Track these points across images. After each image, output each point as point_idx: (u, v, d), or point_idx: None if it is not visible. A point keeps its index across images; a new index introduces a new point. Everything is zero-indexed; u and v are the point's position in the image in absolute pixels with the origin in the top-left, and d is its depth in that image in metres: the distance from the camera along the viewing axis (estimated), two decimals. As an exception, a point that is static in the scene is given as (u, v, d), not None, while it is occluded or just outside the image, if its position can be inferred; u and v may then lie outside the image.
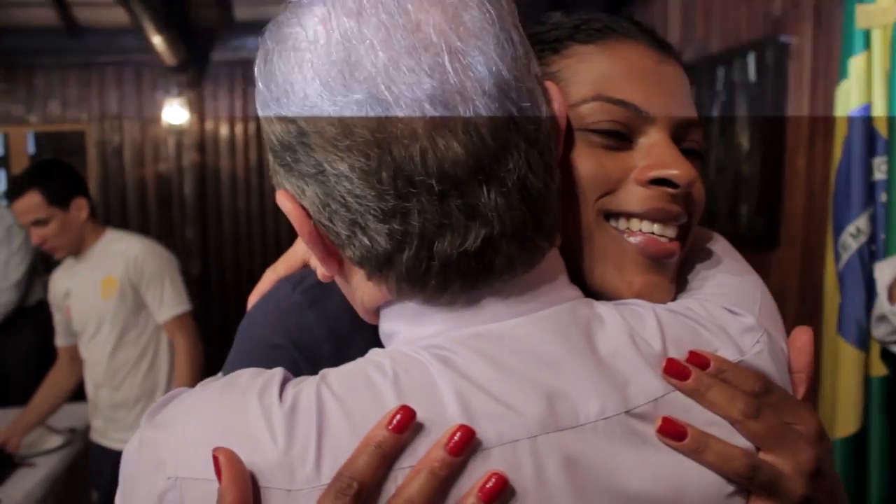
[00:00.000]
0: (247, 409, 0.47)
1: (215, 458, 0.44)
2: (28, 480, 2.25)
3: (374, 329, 0.59)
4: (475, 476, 0.45)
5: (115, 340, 2.45)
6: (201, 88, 5.06)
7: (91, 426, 2.57)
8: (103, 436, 2.52)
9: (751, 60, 2.72)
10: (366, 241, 0.49)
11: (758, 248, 2.66)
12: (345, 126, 0.46)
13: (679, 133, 0.62)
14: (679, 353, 0.52)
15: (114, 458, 2.48)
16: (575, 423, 0.48)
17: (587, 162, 0.60)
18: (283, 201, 0.52)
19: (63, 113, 5.03)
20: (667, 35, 3.52)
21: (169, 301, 2.47)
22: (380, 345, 0.57)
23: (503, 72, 0.48)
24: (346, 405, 0.47)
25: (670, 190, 0.59)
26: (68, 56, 4.82)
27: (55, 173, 2.41)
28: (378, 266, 0.50)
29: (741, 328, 0.56)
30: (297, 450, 0.45)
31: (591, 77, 0.61)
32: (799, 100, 2.49)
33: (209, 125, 5.11)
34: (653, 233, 0.61)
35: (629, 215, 0.61)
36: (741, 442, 0.51)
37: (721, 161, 2.96)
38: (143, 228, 5.05)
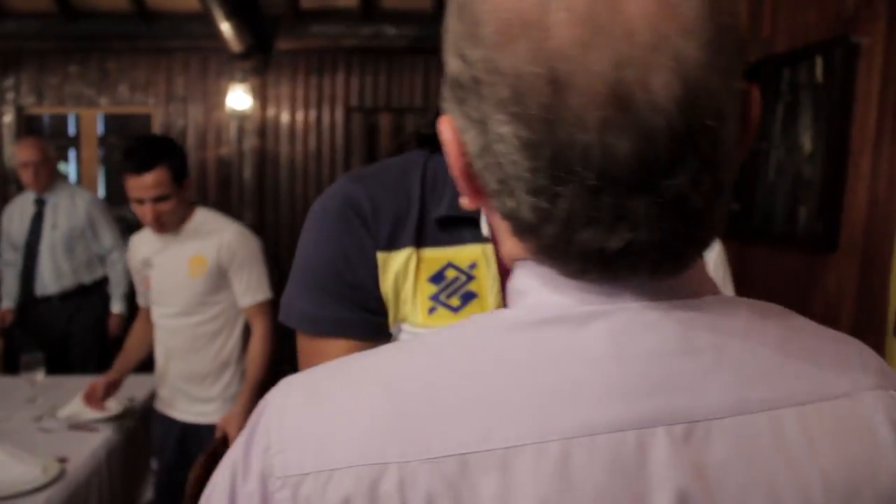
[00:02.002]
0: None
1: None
2: (91, 443, 2.36)
3: (402, 198, 0.88)
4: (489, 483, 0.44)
5: (196, 317, 2.53)
6: (265, 75, 5.17)
7: (157, 395, 2.66)
8: (170, 406, 2.61)
9: (818, 61, 2.67)
10: (511, 204, 0.47)
11: (814, 251, 2.61)
12: (518, 94, 0.43)
13: None
14: (794, 366, 0.50)
15: (179, 428, 2.59)
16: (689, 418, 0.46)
17: None
18: (444, 128, 0.51)
19: (131, 96, 5.20)
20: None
21: (254, 287, 2.55)
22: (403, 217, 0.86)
23: (700, 80, 0.43)
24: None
25: None
26: (139, 41, 4.98)
27: (177, 153, 2.46)
28: (520, 230, 0.49)
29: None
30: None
31: None
32: (867, 102, 2.44)
33: (270, 112, 5.22)
34: None
35: None
36: None
37: (781, 162, 2.91)
38: (203, 210, 5.20)
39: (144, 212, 2.41)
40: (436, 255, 0.89)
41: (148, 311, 2.72)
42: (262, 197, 5.27)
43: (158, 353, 2.63)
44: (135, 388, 2.83)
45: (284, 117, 5.24)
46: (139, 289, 2.73)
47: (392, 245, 0.88)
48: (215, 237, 2.51)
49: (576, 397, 0.45)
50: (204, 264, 2.49)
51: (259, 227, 5.27)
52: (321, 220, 0.91)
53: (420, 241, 0.89)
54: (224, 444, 2.37)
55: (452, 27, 0.49)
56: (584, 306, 0.48)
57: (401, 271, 0.88)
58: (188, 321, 2.54)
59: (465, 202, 0.54)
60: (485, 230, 0.88)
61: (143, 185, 2.36)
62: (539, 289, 0.50)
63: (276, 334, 2.58)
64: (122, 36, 4.97)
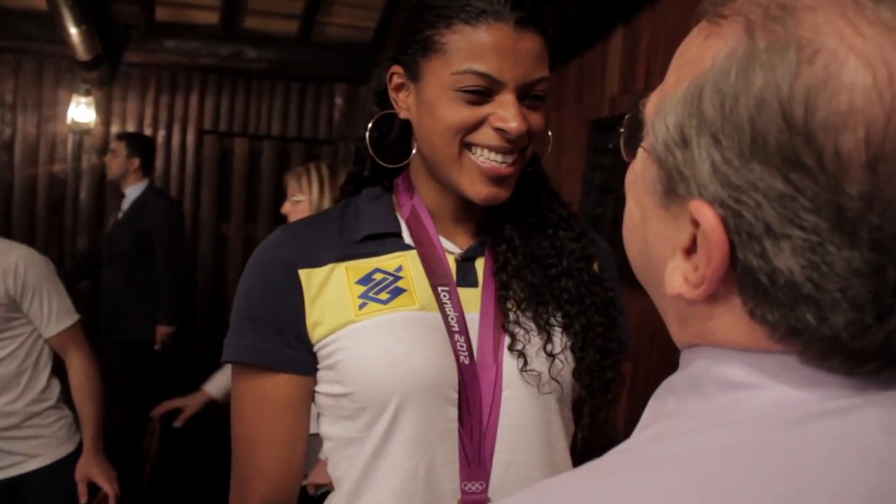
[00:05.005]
0: None
1: None
2: None
3: (321, 230, 1.02)
4: None
5: None
6: (111, 89, 4.73)
7: None
8: None
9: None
10: (811, 320, 0.41)
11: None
12: (881, 222, 0.38)
13: (526, 89, 0.93)
14: None
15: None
16: None
17: (459, 112, 0.92)
18: (710, 222, 0.43)
19: (-54, 98, 4.56)
20: (605, 85, 3.60)
21: (59, 312, 2.19)
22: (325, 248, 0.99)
23: None
24: None
25: (507, 135, 0.92)
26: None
27: None
28: (805, 338, 0.42)
29: None
30: None
31: (466, 53, 0.91)
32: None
33: (115, 128, 4.77)
34: (496, 161, 0.94)
35: (482, 146, 0.93)
36: None
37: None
38: (28, 231, 4.63)
39: None
40: (362, 265, 0.99)
41: None
42: (100, 221, 4.77)
43: None
44: None
45: (130, 135, 4.81)
46: None
47: (314, 264, 0.98)
48: None
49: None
50: None
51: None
52: (254, 266, 1.01)
53: (342, 258, 0.99)
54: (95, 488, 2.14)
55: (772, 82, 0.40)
56: (845, 399, 0.42)
57: (323, 281, 0.98)
58: None
59: (690, 293, 0.45)
60: (407, 240, 1.02)
61: None
62: (777, 386, 0.43)
63: (97, 361, 2.28)
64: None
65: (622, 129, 0.53)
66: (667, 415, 0.47)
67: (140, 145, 4.10)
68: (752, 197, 0.40)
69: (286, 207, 2.55)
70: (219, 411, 3.79)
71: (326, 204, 2.47)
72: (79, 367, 2.25)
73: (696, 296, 0.45)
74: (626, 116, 0.53)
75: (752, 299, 0.43)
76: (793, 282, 0.40)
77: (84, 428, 2.24)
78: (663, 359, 2.83)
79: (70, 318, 2.23)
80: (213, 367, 2.64)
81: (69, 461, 2.23)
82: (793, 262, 0.40)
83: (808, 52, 0.39)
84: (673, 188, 0.46)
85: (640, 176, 0.51)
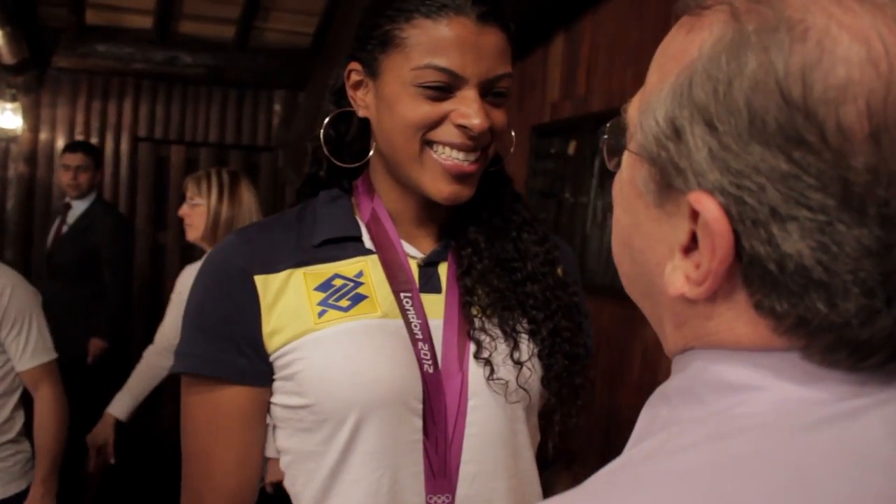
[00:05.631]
0: None
1: None
2: None
3: (278, 234, 0.98)
4: None
5: None
6: (39, 94, 4.56)
7: None
8: None
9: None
10: (821, 308, 0.40)
11: (633, 303, 2.76)
12: (889, 196, 0.37)
13: (488, 85, 0.91)
14: None
15: None
16: None
17: (419, 108, 0.90)
18: (710, 211, 0.41)
19: None
20: (546, 90, 3.64)
21: (34, 347, 2.09)
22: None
23: None
24: None
25: (470, 132, 0.90)
26: None
27: None
28: (811, 328, 0.41)
29: None
30: None
31: (427, 48, 0.89)
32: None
33: (44, 136, 4.60)
34: (458, 159, 0.91)
35: (444, 144, 0.91)
36: None
37: (598, 215, 3.07)
38: (-49, 245, 4.42)
39: None
40: (320, 271, 0.96)
41: None
42: (30, 233, 4.59)
43: None
44: None
45: (60, 143, 4.64)
46: None
47: (270, 269, 0.95)
48: None
49: None
50: None
51: (24, 266, 4.57)
52: (206, 272, 0.97)
53: (300, 264, 0.96)
54: None
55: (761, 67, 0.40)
56: (849, 400, 0.41)
57: (280, 288, 0.94)
58: None
59: (693, 292, 0.44)
60: (367, 244, 0.99)
61: None
62: (779, 385, 0.42)
63: (67, 402, 2.18)
64: None
65: (605, 136, 0.52)
66: (661, 425, 0.45)
67: (98, 156, 4.00)
68: (755, 180, 0.39)
69: (183, 210, 2.52)
70: (158, 425, 3.67)
71: (224, 210, 2.46)
72: (48, 405, 2.13)
73: (699, 293, 0.44)
74: (608, 123, 0.51)
75: (759, 290, 0.42)
76: (803, 266, 0.40)
77: (38, 464, 2.11)
78: (614, 362, 2.87)
79: (47, 355, 2.12)
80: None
81: (16, 500, 2.11)
82: (802, 245, 0.39)
83: (799, 31, 0.39)
84: (668, 183, 0.44)
85: (627, 181, 0.50)
